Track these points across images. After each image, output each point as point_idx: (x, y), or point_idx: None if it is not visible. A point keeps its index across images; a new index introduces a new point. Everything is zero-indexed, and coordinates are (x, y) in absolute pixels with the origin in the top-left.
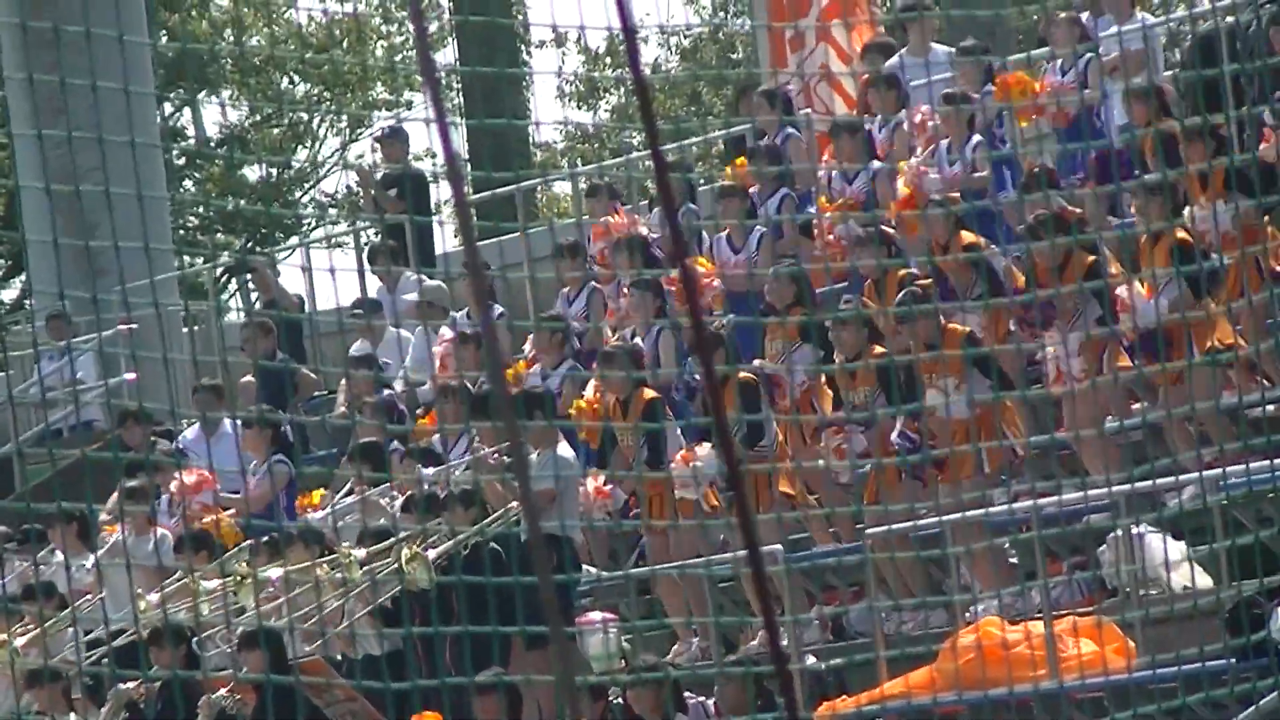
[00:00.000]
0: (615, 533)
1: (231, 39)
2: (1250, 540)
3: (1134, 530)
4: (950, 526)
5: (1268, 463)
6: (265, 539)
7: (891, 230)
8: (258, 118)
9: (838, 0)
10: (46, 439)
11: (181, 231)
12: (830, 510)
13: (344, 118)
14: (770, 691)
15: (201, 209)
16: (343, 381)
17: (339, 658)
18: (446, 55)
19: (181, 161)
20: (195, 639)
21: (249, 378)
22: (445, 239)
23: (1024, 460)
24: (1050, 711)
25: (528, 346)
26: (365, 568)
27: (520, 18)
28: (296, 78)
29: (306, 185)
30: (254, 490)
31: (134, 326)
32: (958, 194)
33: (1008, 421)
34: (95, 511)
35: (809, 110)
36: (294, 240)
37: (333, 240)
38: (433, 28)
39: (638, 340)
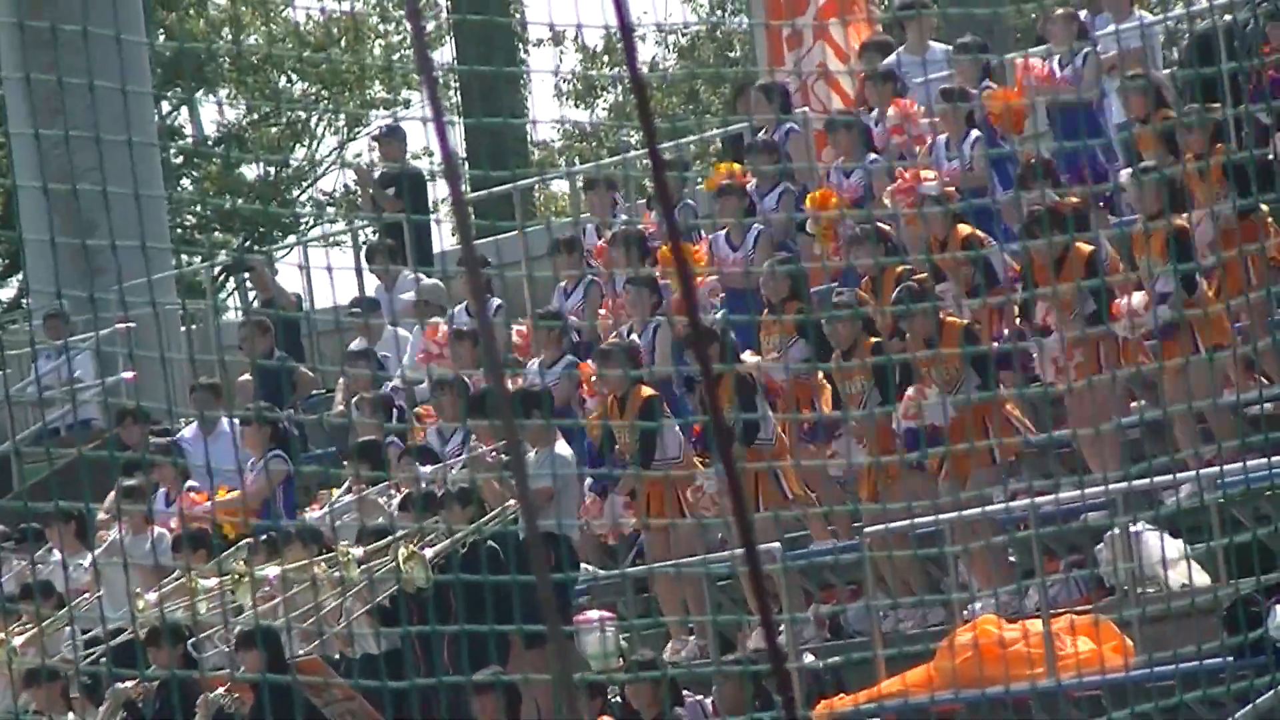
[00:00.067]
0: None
1: (229, 38)
2: (1248, 538)
3: (1131, 528)
4: (948, 525)
5: (1265, 460)
6: (264, 538)
7: (888, 228)
8: (255, 116)
9: None
10: (44, 438)
11: (179, 230)
12: (829, 509)
13: (342, 116)
14: (768, 690)
15: (199, 208)
16: (341, 380)
17: (337, 657)
18: (444, 54)
19: (179, 160)
20: (192, 639)
21: (247, 376)
22: (443, 238)
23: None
24: (1048, 710)
25: (515, 337)
26: (363, 567)
27: (518, 16)
28: (294, 76)
29: (304, 184)
30: (251, 486)
31: (132, 325)
32: (954, 189)
33: (1006, 416)
34: (93, 510)
35: (806, 109)
36: (292, 239)
37: (330, 239)
38: (430, 26)
39: (634, 337)
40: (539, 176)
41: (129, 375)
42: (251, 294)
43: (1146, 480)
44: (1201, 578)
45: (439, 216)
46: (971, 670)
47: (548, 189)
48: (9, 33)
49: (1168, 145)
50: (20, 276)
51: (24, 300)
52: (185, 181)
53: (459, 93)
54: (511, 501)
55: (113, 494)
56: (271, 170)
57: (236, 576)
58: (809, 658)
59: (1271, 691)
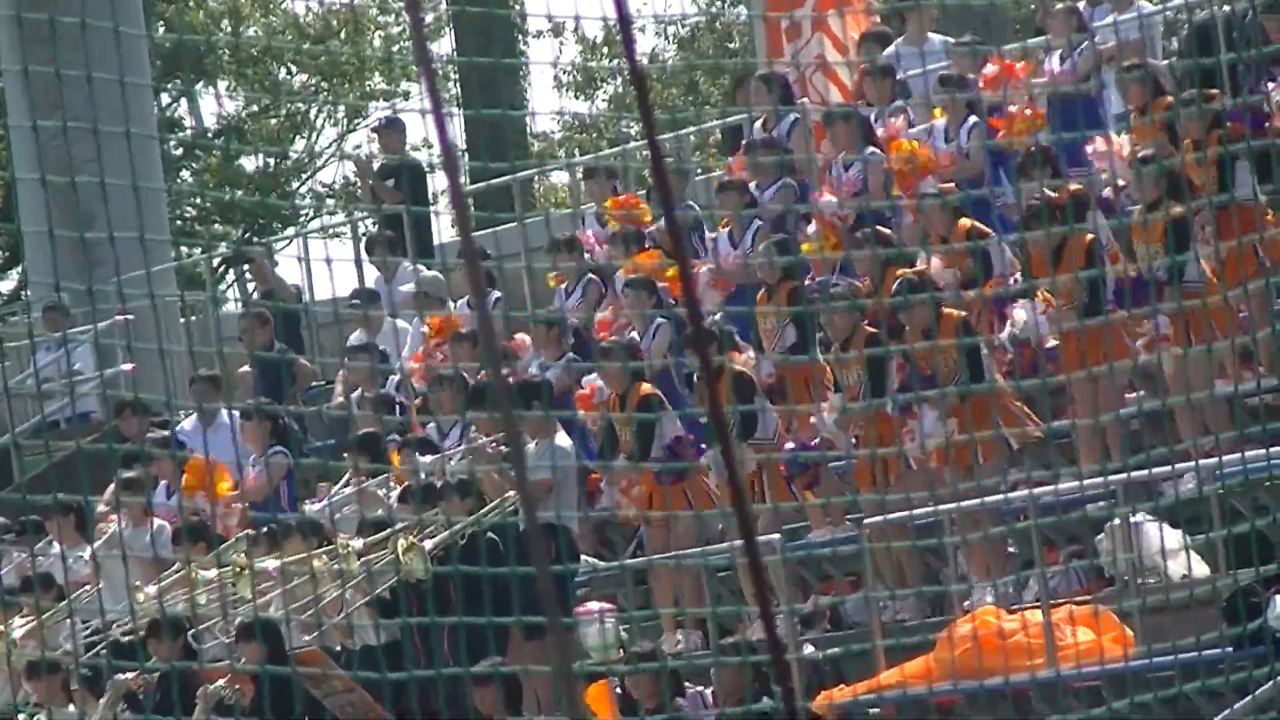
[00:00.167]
0: (610, 521)
1: (228, 30)
2: (1247, 529)
3: (1131, 519)
4: (948, 516)
5: (1264, 451)
6: (264, 530)
7: (888, 231)
8: (255, 108)
9: None
10: (43, 430)
11: (179, 222)
12: (827, 500)
13: (341, 108)
14: (768, 678)
15: (199, 199)
16: (341, 372)
17: (337, 649)
18: (443, 45)
19: (179, 152)
20: (192, 630)
21: (246, 368)
22: (443, 229)
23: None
24: (1047, 700)
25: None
26: (362, 559)
27: (517, 8)
28: (294, 68)
29: (304, 176)
30: (252, 482)
31: (130, 317)
32: (953, 185)
33: (1005, 408)
34: (92, 503)
35: (805, 100)
36: (291, 231)
37: (330, 231)
38: (429, 18)
39: (634, 334)
40: (538, 168)
41: (128, 367)
42: (251, 286)
43: (1145, 471)
44: (1201, 568)
45: (439, 208)
46: (971, 661)
47: (547, 180)
48: (8, 25)
49: (1168, 135)
50: (19, 269)
51: (23, 292)
52: (185, 173)
53: (458, 84)
54: (511, 493)
55: (112, 486)
56: (271, 162)
57: (237, 569)
58: (809, 648)
59: (1271, 682)
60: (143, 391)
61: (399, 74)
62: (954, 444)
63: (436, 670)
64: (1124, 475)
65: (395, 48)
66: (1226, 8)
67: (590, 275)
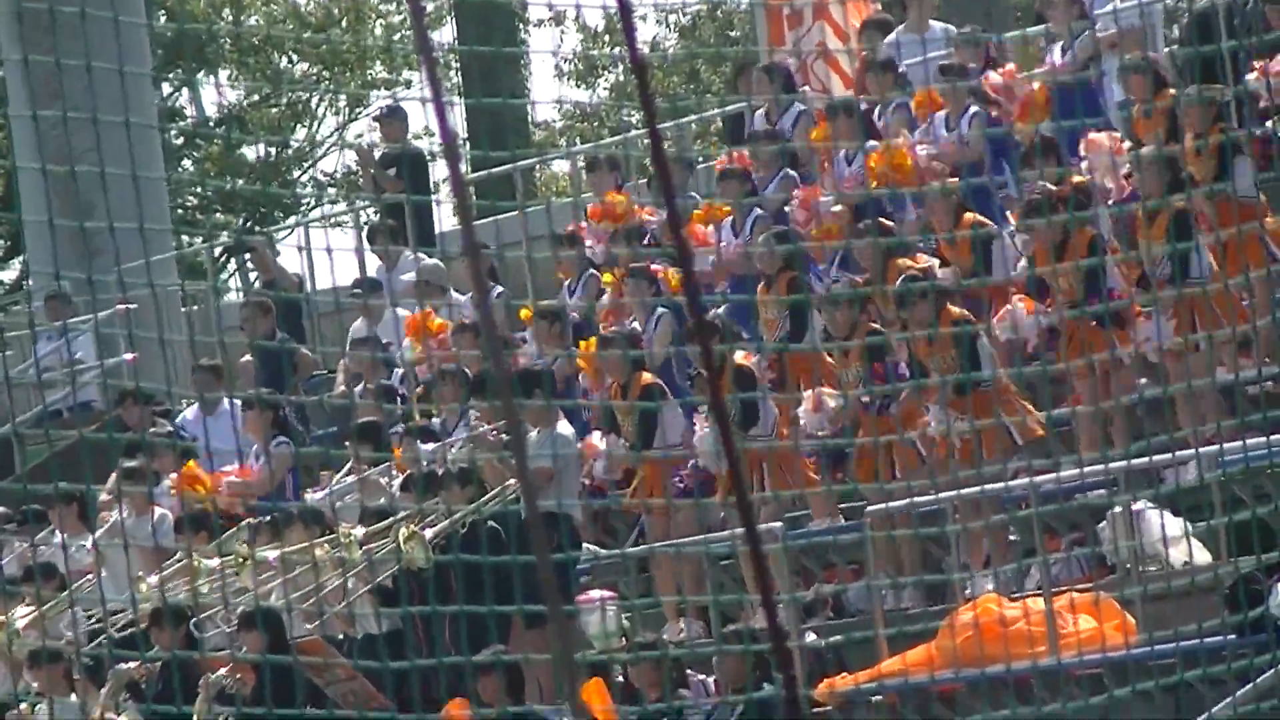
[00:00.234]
0: (613, 508)
1: (229, 18)
2: (1248, 516)
3: (1133, 506)
4: (950, 504)
5: (1265, 439)
6: (266, 519)
7: (891, 225)
8: (256, 97)
9: None
10: (45, 420)
11: (180, 211)
12: (828, 487)
13: (342, 97)
14: (770, 666)
15: (200, 189)
16: (342, 362)
17: (340, 637)
18: (444, 34)
19: (180, 141)
20: (194, 619)
21: (247, 358)
22: (444, 218)
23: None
24: (1049, 688)
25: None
26: (364, 548)
27: None
28: (295, 57)
29: (305, 165)
30: (256, 474)
31: (132, 307)
32: (955, 179)
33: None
34: (94, 492)
35: (806, 88)
36: (292, 220)
37: (331, 220)
38: (430, 6)
39: (635, 325)
40: (539, 157)
41: (129, 357)
42: (252, 275)
43: (1147, 459)
44: (1203, 556)
45: (440, 197)
46: (972, 649)
47: (548, 169)
48: (7, 15)
49: (1168, 126)
50: (20, 258)
51: (24, 282)
52: (186, 162)
53: (459, 73)
54: (512, 481)
55: (114, 476)
56: (272, 151)
57: (239, 558)
58: (811, 636)
59: (1272, 670)
60: (144, 381)
61: (400, 63)
62: (958, 434)
63: (438, 659)
64: (1125, 463)
65: (396, 36)
66: None
67: (591, 271)
